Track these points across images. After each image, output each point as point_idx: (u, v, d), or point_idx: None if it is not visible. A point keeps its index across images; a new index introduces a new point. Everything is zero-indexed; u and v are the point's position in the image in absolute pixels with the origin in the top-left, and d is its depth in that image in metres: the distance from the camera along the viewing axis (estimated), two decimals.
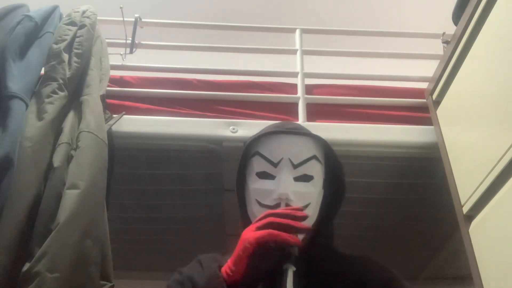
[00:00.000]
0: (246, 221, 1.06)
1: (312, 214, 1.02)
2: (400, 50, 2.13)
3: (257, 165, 1.05)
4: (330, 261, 1.03)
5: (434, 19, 2.23)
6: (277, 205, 1.00)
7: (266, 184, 1.03)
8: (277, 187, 1.01)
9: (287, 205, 0.99)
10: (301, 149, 1.05)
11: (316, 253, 1.02)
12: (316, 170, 1.05)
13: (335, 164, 1.10)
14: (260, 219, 0.92)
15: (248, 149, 1.10)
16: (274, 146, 1.06)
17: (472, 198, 1.24)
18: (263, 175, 1.04)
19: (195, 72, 1.98)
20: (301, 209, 0.96)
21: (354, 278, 0.99)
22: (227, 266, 0.92)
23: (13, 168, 1.23)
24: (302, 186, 1.02)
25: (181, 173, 1.74)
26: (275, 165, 1.03)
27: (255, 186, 1.04)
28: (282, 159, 1.03)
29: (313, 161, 1.05)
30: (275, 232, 0.86)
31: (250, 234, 0.89)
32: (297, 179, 1.02)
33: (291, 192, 1.00)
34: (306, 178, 1.03)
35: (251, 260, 0.88)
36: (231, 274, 0.90)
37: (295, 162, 1.03)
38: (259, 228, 0.89)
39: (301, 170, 1.03)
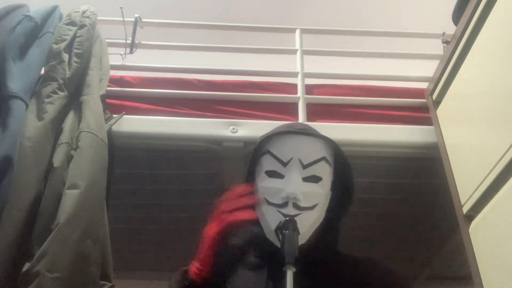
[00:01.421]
0: None
1: (319, 215, 1.02)
2: (400, 50, 2.13)
3: (267, 163, 1.06)
4: (334, 263, 1.03)
5: (434, 19, 2.23)
6: (285, 204, 1.00)
7: (275, 182, 1.03)
8: (286, 186, 1.01)
9: (294, 204, 1.00)
10: (311, 150, 1.06)
11: (320, 254, 1.02)
12: (325, 171, 1.05)
13: (344, 166, 1.10)
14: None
15: (259, 148, 1.10)
16: (285, 145, 1.06)
17: (472, 198, 1.24)
18: (273, 174, 1.04)
19: (195, 72, 1.98)
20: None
21: (358, 280, 0.99)
22: (194, 266, 0.95)
23: (13, 168, 1.23)
24: (310, 186, 1.02)
25: (181, 173, 1.75)
26: (284, 164, 1.04)
27: (264, 184, 1.04)
28: (292, 159, 1.03)
29: (323, 163, 1.05)
30: (226, 216, 0.93)
31: (207, 229, 0.94)
32: (306, 179, 1.02)
33: (299, 192, 1.00)
34: (314, 179, 1.03)
35: (215, 252, 0.92)
36: (198, 272, 0.93)
37: (305, 163, 1.03)
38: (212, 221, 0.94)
39: (310, 171, 1.03)
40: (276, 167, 1.04)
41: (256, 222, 0.98)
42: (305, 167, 1.03)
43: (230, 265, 0.97)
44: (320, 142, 1.07)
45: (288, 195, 0.99)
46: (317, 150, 1.06)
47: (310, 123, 1.63)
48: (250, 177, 1.11)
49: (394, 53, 2.10)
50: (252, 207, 0.95)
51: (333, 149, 1.09)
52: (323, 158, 1.05)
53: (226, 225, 0.91)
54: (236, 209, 0.92)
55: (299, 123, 1.22)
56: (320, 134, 1.10)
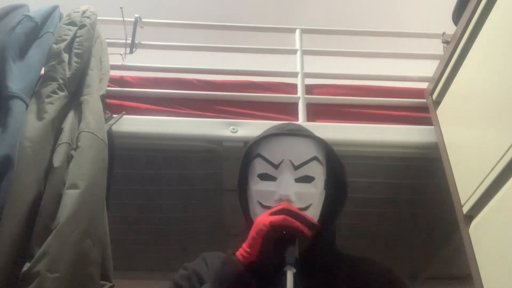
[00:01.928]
0: (249, 222, 1.06)
1: (313, 214, 1.02)
2: (400, 50, 2.13)
3: (259, 167, 1.06)
4: (332, 262, 1.04)
5: (434, 19, 2.23)
6: None
7: (267, 185, 1.03)
8: (279, 188, 1.01)
9: None
10: (302, 150, 1.06)
11: (318, 254, 1.02)
12: (317, 171, 1.05)
13: (337, 165, 1.10)
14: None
15: (250, 151, 1.11)
16: (275, 148, 1.06)
17: (472, 198, 1.24)
18: (265, 177, 1.05)
19: (195, 72, 1.98)
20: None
21: (356, 279, 1.00)
22: (242, 249, 0.94)
23: (13, 168, 1.23)
24: (303, 187, 1.02)
25: (181, 173, 1.75)
26: (276, 166, 1.04)
27: (257, 187, 1.05)
28: (283, 160, 1.04)
29: (314, 162, 1.05)
30: (290, 218, 0.90)
31: (265, 218, 0.92)
32: (298, 180, 1.03)
33: (292, 193, 1.00)
34: (307, 179, 1.03)
35: (265, 242, 0.90)
36: (246, 255, 0.92)
37: (296, 164, 1.03)
38: (273, 214, 0.92)
39: (302, 171, 1.03)
40: (268, 169, 1.04)
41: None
42: (296, 168, 1.03)
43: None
44: (310, 142, 1.08)
45: (281, 197, 1.00)
46: (308, 150, 1.06)
47: (310, 123, 1.64)
48: (242, 180, 1.11)
49: (394, 53, 2.10)
50: (312, 226, 0.94)
51: (325, 148, 1.10)
52: (315, 158, 1.05)
53: (282, 223, 0.90)
54: (299, 218, 0.91)
55: (290, 123, 1.23)
56: (311, 134, 1.11)
